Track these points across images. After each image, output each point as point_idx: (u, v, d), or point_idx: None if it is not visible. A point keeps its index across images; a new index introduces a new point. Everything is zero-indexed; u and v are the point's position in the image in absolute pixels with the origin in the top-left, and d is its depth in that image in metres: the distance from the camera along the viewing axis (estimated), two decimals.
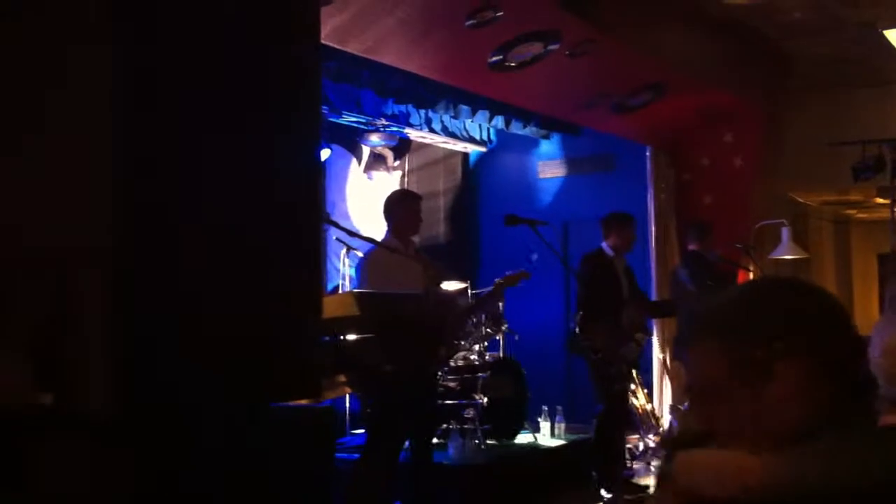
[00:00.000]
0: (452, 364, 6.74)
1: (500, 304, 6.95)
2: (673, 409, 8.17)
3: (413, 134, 8.66)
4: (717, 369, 1.42)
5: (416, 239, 5.38)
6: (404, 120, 8.20)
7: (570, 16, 5.85)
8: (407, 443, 5.13)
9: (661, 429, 8.15)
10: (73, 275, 1.90)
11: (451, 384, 6.67)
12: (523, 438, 7.06)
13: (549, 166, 9.73)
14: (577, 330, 6.23)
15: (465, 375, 6.76)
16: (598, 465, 6.37)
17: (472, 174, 10.03)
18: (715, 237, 7.66)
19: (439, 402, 6.22)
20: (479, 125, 9.16)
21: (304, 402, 2.90)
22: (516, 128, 8.68)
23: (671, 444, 1.81)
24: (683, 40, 7.19)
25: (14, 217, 2.00)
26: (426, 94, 7.43)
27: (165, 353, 1.94)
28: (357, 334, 4.15)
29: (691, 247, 7.66)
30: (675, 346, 8.24)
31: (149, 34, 1.95)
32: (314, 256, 2.40)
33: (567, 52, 6.21)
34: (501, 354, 7.68)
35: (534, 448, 6.90)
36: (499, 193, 9.78)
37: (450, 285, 6.71)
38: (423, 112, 8.27)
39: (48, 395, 1.89)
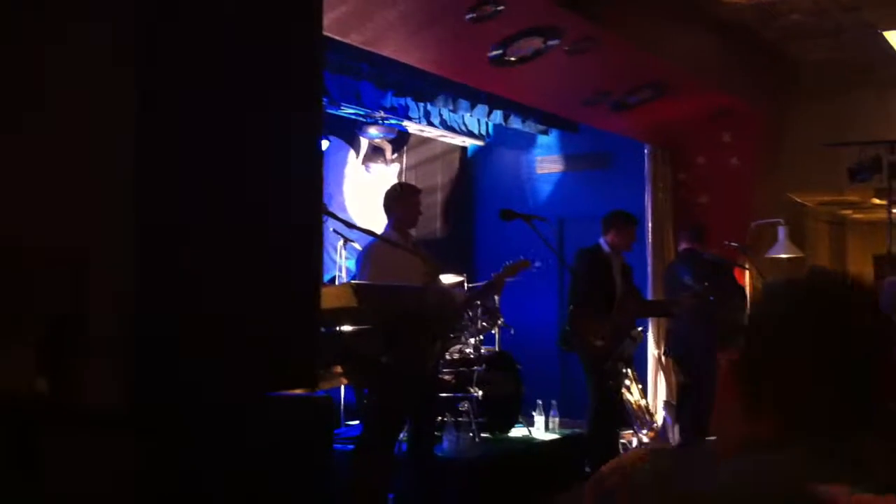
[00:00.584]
0: (448, 357, 6.76)
1: (497, 298, 6.96)
2: (667, 404, 8.20)
3: (412, 127, 8.67)
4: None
5: (413, 232, 5.39)
6: (403, 113, 8.21)
7: (571, 12, 5.86)
8: (403, 434, 5.15)
9: (654, 424, 8.18)
10: (79, 271, 1.91)
11: (447, 377, 6.69)
12: (518, 432, 7.08)
13: (546, 162, 9.74)
14: (567, 326, 6.23)
15: (461, 369, 6.78)
16: (592, 459, 6.39)
17: (470, 169, 10.04)
18: (711, 236, 7.68)
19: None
20: (478, 119, 9.17)
21: (300, 391, 2.91)
22: (515, 123, 8.69)
23: None
24: (683, 40, 7.21)
25: (20, 216, 2.02)
26: (425, 88, 7.43)
27: (166, 345, 1.95)
28: (354, 325, 4.17)
29: (685, 246, 7.68)
30: (671, 342, 8.25)
31: (151, 28, 1.96)
32: (312, 247, 2.41)
33: (567, 49, 6.21)
34: (497, 348, 7.70)
35: (528, 442, 6.92)
36: (496, 188, 9.80)
37: (447, 279, 6.73)
38: (421, 105, 8.27)
39: (54, 388, 1.90)
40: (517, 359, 7.20)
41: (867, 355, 1.32)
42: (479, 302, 6.67)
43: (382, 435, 4.76)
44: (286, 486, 2.48)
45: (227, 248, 2.10)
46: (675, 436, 7.83)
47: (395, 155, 9.20)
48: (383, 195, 5.25)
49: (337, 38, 5.51)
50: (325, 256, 7.70)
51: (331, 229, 7.24)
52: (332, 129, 8.03)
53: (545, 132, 9.49)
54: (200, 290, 2.04)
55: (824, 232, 11.81)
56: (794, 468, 1.25)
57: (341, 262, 7.28)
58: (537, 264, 6.15)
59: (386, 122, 8.27)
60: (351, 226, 4.77)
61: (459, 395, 6.63)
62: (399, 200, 5.16)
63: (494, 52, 6.06)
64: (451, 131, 9.04)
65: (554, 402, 7.37)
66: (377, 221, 5.19)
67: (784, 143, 9.07)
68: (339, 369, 4.42)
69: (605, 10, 6.11)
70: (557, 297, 8.89)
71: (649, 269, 8.75)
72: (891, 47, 7.83)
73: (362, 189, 8.59)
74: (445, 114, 8.69)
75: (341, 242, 7.23)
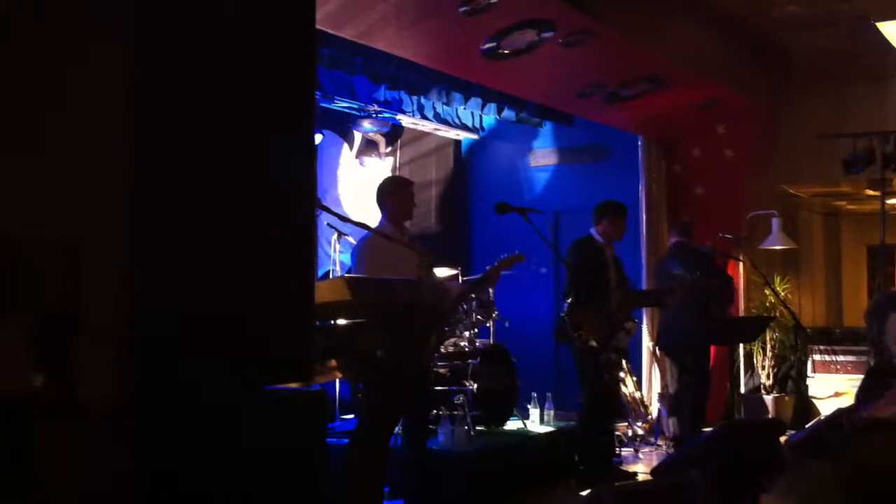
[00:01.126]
0: (443, 350, 6.76)
1: (491, 291, 6.96)
2: (662, 397, 8.21)
3: (405, 120, 8.66)
4: None
5: (407, 225, 5.38)
6: (397, 106, 8.20)
7: (565, 4, 5.85)
8: (398, 428, 5.15)
9: (649, 416, 8.19)
10: (78, 265, 1.91)
11: (441, 371, 6.69)
12: (513, 425, 7.09)
13: (541, 155, 9.74)
14: (566, 318, 6.21)
15: (455, 362, 6.79)
16: (585, 453, 6.40)
17: (465, 162, 10.04)
18: (705, 227, 7.70)
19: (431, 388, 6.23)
20: (472, 113, 9.16)
21: (294, 385, 2.92)
22: (509, 116, 8.68)
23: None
24: (678, 32, 7.21)
25: (20, 214, 2.02)
26: (419, 81, 7.42)
27: (163, 340, 1.95)
28: (349, 319, 4.16)
29: (674, 239, 7.70)
30: (663, 335, 8.25)
31: (149, 27, 1.96)
32: (306, 240, 2.41)
33: (561, 41, 6.21)
34: (491, 341, 7.71)
35: (523, 435, 6.92)
36: (490, 181, 9.80)
37: (442, 272, 6.73)
38: (415, 99, 8.26)
39: (50, 382, 1.90)
40: (512, 351, 7.20)
41: None
42: (473, 295, 6.67)
43: (377, 428, 4.76)
44: (281, 479, 2.48)
45: (219, 241, 2.10)
46: (670, 428, 7.85)
47: (390, 149, 9.19)
48: (376, 190, 5.24)
49: (330, 31, 5.50)
50: (320, 251, 7.69)
51: (325, 223, 7.23)
52: (326, 122, 8.02)
53: (539, 125, 9.48)
54: (197, 288, 2.04)
55: (818, 223, 11.84)
56: None
57: (335, 257, 7.28)
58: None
59: (380, 115, 8.26)
60: (345, 220, 4.75)
61: (454, 388, 6.64)
62: (392, 194, 5.15)
63: (488, 45, 6.06)
64: (445, 125, 9.03)
65: (549, 394, 7.37)
66: (372, 215, 5.18)
67: (778, 134, 9.08)
68: (333, 363, 4.42)
69: (598, 3, 6.11)
70: (552, 290, 8.90)
71: (643, 260, 8.76)
72: (885, 38, 7.83)
73: (356, 183, 8.58)
74: (439, 107, 8.68)
75: (335, 236, 7.23)
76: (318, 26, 2.55)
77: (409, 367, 4.60)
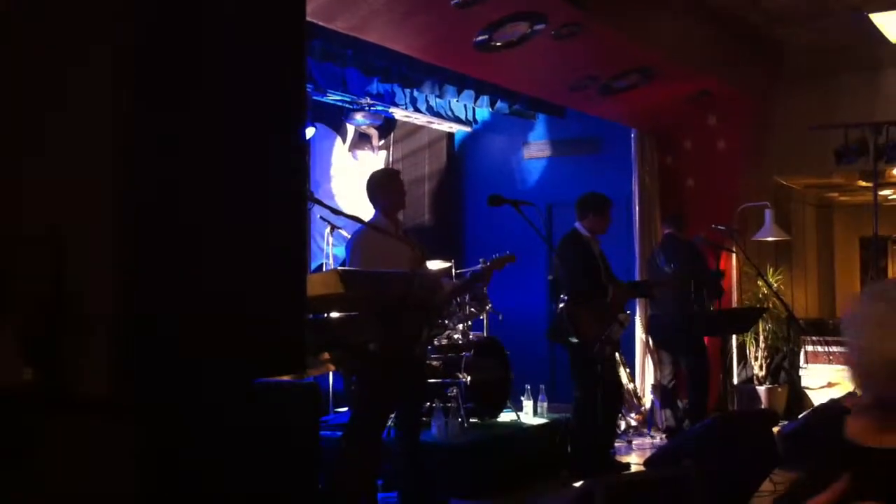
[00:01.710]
0: (436, 343, 6.77)
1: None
2: (655, 388, 8.23)
3: (398, 113, 8.65)
4: None
5: (401, 217, 5.38)
6: (389, 99, 8.19)
7: None
8: (391, 420, 5.16)
9: (642, 408, 8.21)
10: (72, 257, 1.91)
11: (435, 363, 6.70)
12: (506, 417, 7.10)
13: (534, 148, 9.75)
14: (566, 316, 6.15)
15: (449, 355, 6.80)
16: (579, 446, 6.40)
17: (458, 155, 10.03)
18: (698, 219, 7.71)
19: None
20: (465, 105, 9.16)
21: (287, 378, 2.92)
22: (502, 109, 8.68)
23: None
24: (669, 25, 7.20)
25: (19, 211, 2.02)
26: (411, 74, 7.41)
27: (157, 333, 1.95)
28: (342, 312, 4.16)
29: (665, 231, 7.71)
30: (653, 329, 8.25)
31: (148, 26, 1.96)
32: (298, 234, 2.41)
33: (553, 34, 6.20)
34: (485, 334, 7.71)
35: (517, 427, 6.94)
36: (484, 174, 9.80)
37: (434, 265, 6.72)
38: (408, 92, 8.25)
39: (46, 376, 1.90)
40: (505, 344, 7.21)
41: None
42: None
43: (371, 421, 4.76)
44: (274, 472, 2.48)
45: (211, 235, 2.10)
46: (662, 420, 7.87)
47: (383, 142, 9.19)
48: (366, 185, 5.23)
49: (322, 24, 5.49)
50: (313, 244, 7.69)
51: (318, 217, 7.23)
52: (318, 116, 8.01)
53: (532, 117, 9.48)
54: (194, 284, 2.04)
55: (811, 215, 11.87)
56: None
57: (328, 250, 7.27)
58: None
59: (372, 108, 8.25)
60: (338, 213, 4.73)
61: (448, 380, 6.65)
62: (382, 187, 5.14)
63: (480, 38, 6.05)
64: (437, 117, 9.03)
65: (542, 386, 7.39)
66: (365, 208, 5.17)
67: (770, 126, 9.09)
68: (326, 356, 4.42)
69: None
70: (546, 283, 8.90)
71: (637, 253, 8.77)
72: (877, 29, 7.84)
73: (349, 176, 8.58)
74: (432, 100, 8.68)
75: (328, 230, 7.22)
76: (308, 18, 2.54)
77: (402, 360, 4.60)
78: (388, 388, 4.71)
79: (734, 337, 8.72)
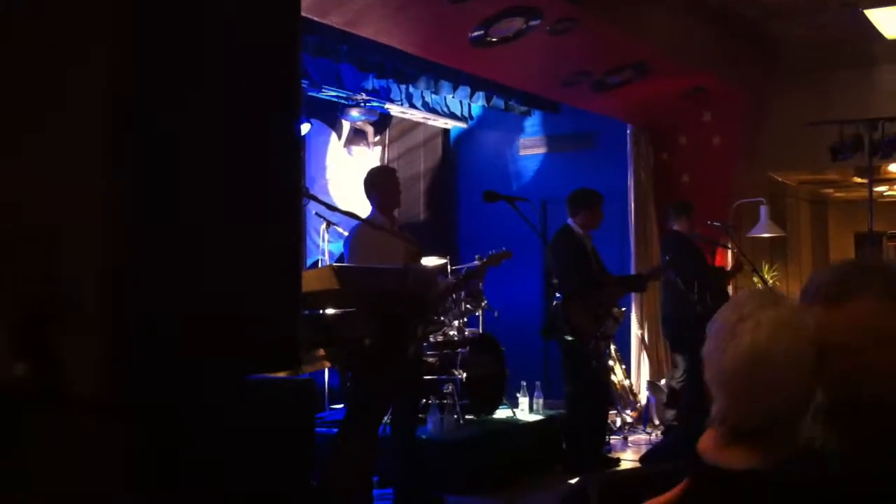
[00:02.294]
0: (432, 340, 6.77)
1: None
2: (650, 384, 8.23)
3: (394, 109, 8.65)
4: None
5: (396, 213, 5.38)
6: (385, 95, 8.18)
7: None
8: (387, 416, 5.15)
9: (638, 404, 8.21)
10: (65, 253, 1.90)
11: (431, 360, 6.70)
12: (502, 413, 7.10)
13: (529, 143, 9.74)
14: (560, 313, 6.13)
15: (445, 351, 6.79)
16: (573, 442, 6.41)
17: (453, 151, 10.03)
18: (693, 215, 7.70)
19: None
20: (460, 101, 9.15)
21: (283, 374, 2.91)
22: (497, 104, 8.67)
23: None
24: (664, 20, 7.19)
25: (18, 210, 2.01)
26: (407, 70, 7.40)
27: (157, 333, 1.94)
28: (337, 308, 4.15)
29: (675, 227, 7.66)
30: (665, 327, 8.17)
31: (147, 25, 1.95)
32: (294, 231, 2.40)
33: (548, 29, 6.19)
34: (480, 331, 7.71)
35: (512, 423, 6.94)
36: (479, 170, 9.79)
37: (429, 261, 6.72)
38: (403, 87, 8.24)
39: (40, 372, 1.89)
40: (501, 340, 7.21)
41: None
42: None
43: (366, 417, 4.76)
44: (270, 468, 2.48)
45: (204, 230, 2.09)
46: (668, 419, 7.85)
47: (378, 137, 9.17)
48: (362, 182, 5.23)
49: (316, 19, 5.47)
50: (308, 240, 7.68)
51: (313, 213, 7.22)
52: (314, 112, 7.99)
53: (528, 113, 9.48)
54: (193, 282, 2.03)
55: (806, 211, 11.88)
56: None
57: (324, 246, 7.26)
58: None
59: (368, 104, 8.24)
60: (334, 209, 4.73)
61: (443, 377, 6.64)
62: (377, 184, 5.14)
63: (475, 33, 6.04)
64: (433, 113, 9.02)
65: (538, 383, 7.39)
66: (361, 204, 5.17)
67: (765, 122, 9.09)
68: (322, 352, 4.41)
69: None
70: (541, 279, 8.90)
71: (632, 248, 8.77)
72: (872, 25, 7.84)
73: (345, 172, 8.56)
74: (427, 96, 8.67)
75: (324, 226, 7.21)
76: (303, 13, 2.53)
77: (398, 356, 4.60)
78: (384, 384, 4.71)
79: None
